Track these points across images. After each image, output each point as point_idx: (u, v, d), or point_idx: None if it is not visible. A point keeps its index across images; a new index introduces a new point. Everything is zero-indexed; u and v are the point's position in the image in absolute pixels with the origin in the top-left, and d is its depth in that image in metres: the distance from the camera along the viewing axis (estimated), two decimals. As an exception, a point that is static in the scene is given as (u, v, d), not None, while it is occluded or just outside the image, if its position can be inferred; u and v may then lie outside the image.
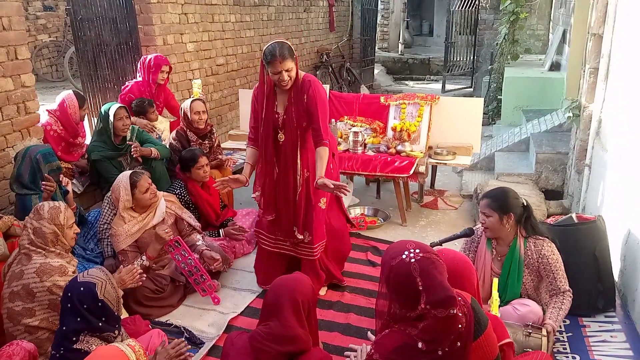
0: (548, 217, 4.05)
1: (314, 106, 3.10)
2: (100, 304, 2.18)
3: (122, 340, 2.24)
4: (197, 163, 3.97)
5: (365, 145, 4.71)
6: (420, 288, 1.81)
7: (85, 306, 2.16)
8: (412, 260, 1.83)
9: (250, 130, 3.35)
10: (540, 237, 2.86)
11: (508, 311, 2.80)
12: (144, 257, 3.32)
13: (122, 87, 5.07)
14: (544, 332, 2.61)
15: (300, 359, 2.26)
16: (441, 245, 2.93)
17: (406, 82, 13.76)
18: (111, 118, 4.00)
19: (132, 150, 4.08)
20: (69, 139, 4.24)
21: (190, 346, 2.52)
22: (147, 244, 3.39)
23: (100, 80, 5.61)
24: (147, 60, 4.87)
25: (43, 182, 3.30)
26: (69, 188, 3.53)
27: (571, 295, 2.80)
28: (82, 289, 2.17)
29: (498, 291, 2.90)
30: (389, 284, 1.89)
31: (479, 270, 2.97)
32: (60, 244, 2.66)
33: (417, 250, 1.85)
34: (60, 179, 3.48)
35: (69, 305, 2.17)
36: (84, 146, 4.41)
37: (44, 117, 4.16)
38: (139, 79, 4.96)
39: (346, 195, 3.23)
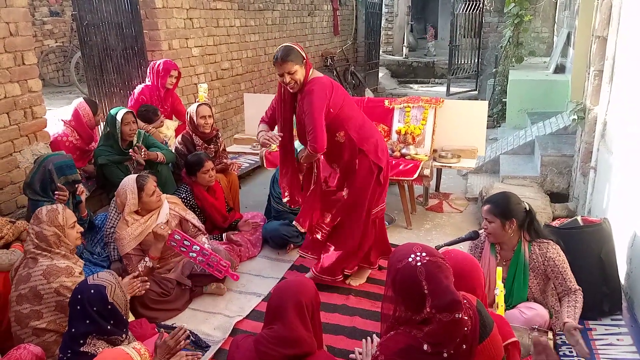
0: (553, 219, 4.04)
1: (305, 109, 3.18)
2: (109, 307, 2.20)
3: (128, 344, 2.25)
4: (203, 167, 3.99)
5: (370, 148, 4.71)
6: (426, 292, 1.81)
7: (95, 309, 2.18)
8: (419, 263, 1.83)
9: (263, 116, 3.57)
10: (545, 240, 2.85)
11: (514, 314, 2.80)
12: (147, 259, 3.34)
13: (133, 91, 5.10)
14: (550, 335, 2.61)
15: (305, 361, 2.27)
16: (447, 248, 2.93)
17: (411, 85, 13.78)
18: (118, 123, 4.03)
19: (142, 153, 4.08)
20: (84, 147, 4.29)
21: (189, 332, 2.52)
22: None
23: (106, 85, 5.63)
24: (157, 65, 4.92)
25: (56, 192, 3.33)
26: (83, 197, 3.56)
27: (581, 293, 2.79)
28: (92, 291, 2.19)
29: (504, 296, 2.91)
30: (394, 287, 1.89)
31: (484, 276, 2.97)
32: (64, 245, 2.68)
33: (424, 254, 1.86)
34: (77, 188, 3.51)
35: (78, 307, 2.19)
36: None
37: (60, 127, 4.21)
38: (148, 82, 4.99)
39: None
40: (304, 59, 3.16)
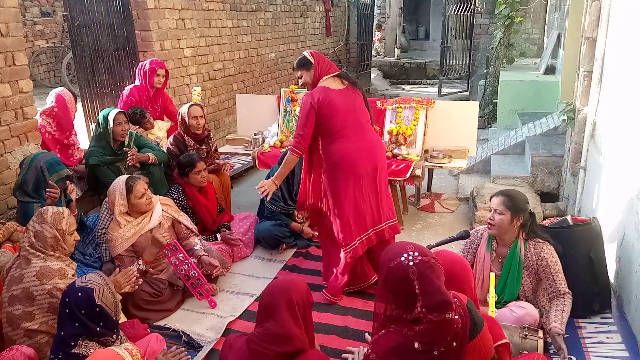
0: (544, 219, 4.07)
1: None
2: (97, 309, 2.19)
3: (120, 344, 2.25)
4: (195, 168, 3.98)
5: (362, 149, 4.73)
6: (417, 291, 1.82)
7: (82, 312, 2.17)
8: (411, 263, 1.84)
9: None
10: (541, 240, 2.90)
11: (505, 313, 2.82)
12: (140, 262, 3.32)
13: (121, 92, 5.09)
14: (540, 334, 2.63)
15: (297, 359, 2.28)
16: (438, 247, 2.95)
17: (403, 86, 13.81)
18: (110, 123, 4.01)
19: (128, 158, 4.07)
20: (63, 140, 4.25)
21: (189, 357, 2.52)
22: (144, 248, 3.39)
23: (97, 85, 5.62)
24: (144, 65, 4.90)
25: (47, 190, 3.32)
26: (73, 196, 3.55)
27: (571, 297, 2.83)
28: (79, 294, 2.18)
29: (496, 291, 2.94)
30: (386, 285, 1.90)
31: (478, 272, 3.00)
32: (60, 249, 2.67)
33: (416, 254, 1.87)
34: (67, 186, 3.50)
35: (67, 310, 2.19)
36: (80, 149, 4.42)
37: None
38: (138, 83, 4.98)
39: None
40: (312, 64, 3.39)
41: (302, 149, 3.34)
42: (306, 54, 3.47)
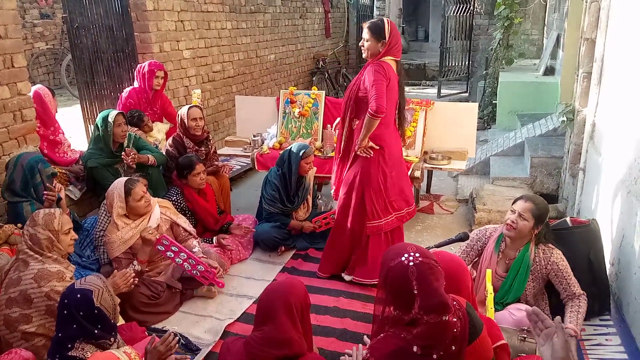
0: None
1: (367, 78, 3.38)
2: (96, 311, 2.19)
3: (118, 347, 2.24)
4: (194, 170, 3.98)
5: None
6: (415, 292, 1.82)
7: (81, 313, 2.16)
8: (411, 263, 1.84)
9: None
10: (551, 246, 2.92)
11: (504, 316, 2.82)
12: (135, 262, 3.31)
13: (119, 94, 5.08)
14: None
15: (296, 363, 2.27)
16: (436, 249, 2.95)
17: (402, 87, 13.77)
18: (110, 125, 4.00)
19: (130, 158, 4.05)
20: (48, 135, 4.24)
21: (179, 337, 2.51)
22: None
23: (97, 87, 5.62)
24: (142, 67, 4.90)
25: (45, 192, 3.32)
26: (62, 195, 3.54)
27: (586, 298, 2.84)
28: (78, 296, 2.18)
29: (501, 293, 2.94)
30: (385, 285, 1.90)
31: (483, 272, 2.99)
32: (56, 250, 2.67)
33: (417, 255, 1.87)
34: (54, 185, 3.50)
35: (65, 312, 2.18)
36: (73, 150, 4.41)
37: None
38: (136, 85, 4.97)
39: None
40: (384, 39, 3.30)
41: (384, 111, 3.24)
42: (385, 23, 3.31)
